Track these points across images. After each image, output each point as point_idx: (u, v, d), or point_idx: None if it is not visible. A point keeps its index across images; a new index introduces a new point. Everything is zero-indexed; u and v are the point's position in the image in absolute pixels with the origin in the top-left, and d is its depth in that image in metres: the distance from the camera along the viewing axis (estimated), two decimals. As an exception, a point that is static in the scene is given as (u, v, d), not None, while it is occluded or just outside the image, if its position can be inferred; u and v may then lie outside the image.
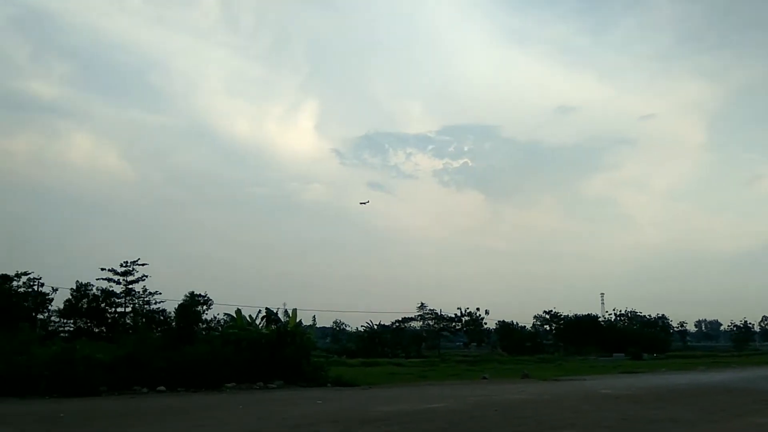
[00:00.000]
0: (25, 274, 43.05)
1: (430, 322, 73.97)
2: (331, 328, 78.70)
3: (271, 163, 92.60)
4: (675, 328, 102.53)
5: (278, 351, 23.17)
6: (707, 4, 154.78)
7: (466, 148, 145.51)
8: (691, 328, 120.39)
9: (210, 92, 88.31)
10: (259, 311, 27.73)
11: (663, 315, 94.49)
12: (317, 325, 61.28)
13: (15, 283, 41.85)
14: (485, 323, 78.34)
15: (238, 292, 74.31)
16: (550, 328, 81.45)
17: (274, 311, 27.66)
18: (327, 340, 72.13)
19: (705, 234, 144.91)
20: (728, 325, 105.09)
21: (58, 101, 72.41)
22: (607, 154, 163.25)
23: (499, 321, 78.46)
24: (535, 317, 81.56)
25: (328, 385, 23.31)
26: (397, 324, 72.33)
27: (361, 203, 76.55)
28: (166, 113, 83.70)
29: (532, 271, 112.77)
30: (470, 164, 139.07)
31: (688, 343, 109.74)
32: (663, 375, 33.40)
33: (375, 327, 69.58)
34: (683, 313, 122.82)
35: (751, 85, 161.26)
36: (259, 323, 26.92)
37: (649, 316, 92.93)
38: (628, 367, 42.03)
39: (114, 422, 12.71)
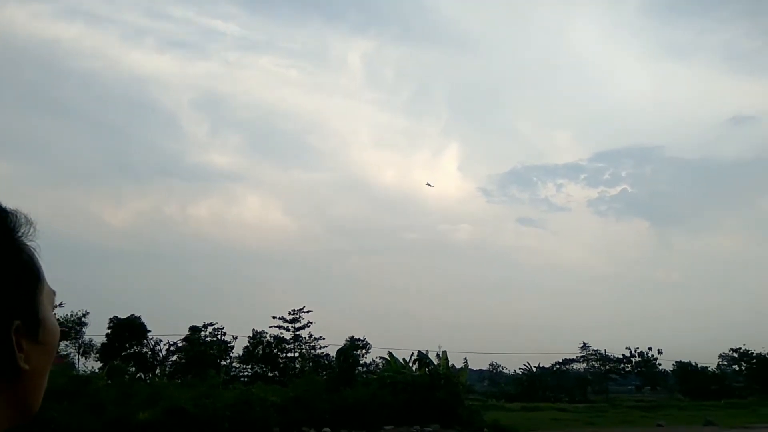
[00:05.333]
0: (211, 324, 49.04)
1: (594, 363, 69.26)
2: (488, 370, 76.81)
3: (420, 208, 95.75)
4: None
5: (431, 394, 23.60)
6: None
7: (623, 174, 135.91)
8: None
9: (360, 147, 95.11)
10: (412, 354, 28.52)
11: None
12: (473, 368, 60.39)
13: (203, 333, 47.67)
14: (659, 364, 71.30)
15: (393, 335, 76.22)
16: (740, 369, 71.62)
17: (426, 354, 28.24)
18: (485, 384, 70.35)
19: None
20: None
21: (233, 169, 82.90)
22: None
23: (676, 361, 70.98)
24: (720, 356, 72.40)
25: (485, 430, 23.15)
26: (558, 366, 68.76)
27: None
28: (323, 170, 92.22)
29: (712, 303, 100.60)
30: (630, 190, 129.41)
31: None
32: None
33: (534, 369, 66.88)
34: None
35: None
36: (413, 366, 27.63)
37: None
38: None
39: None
